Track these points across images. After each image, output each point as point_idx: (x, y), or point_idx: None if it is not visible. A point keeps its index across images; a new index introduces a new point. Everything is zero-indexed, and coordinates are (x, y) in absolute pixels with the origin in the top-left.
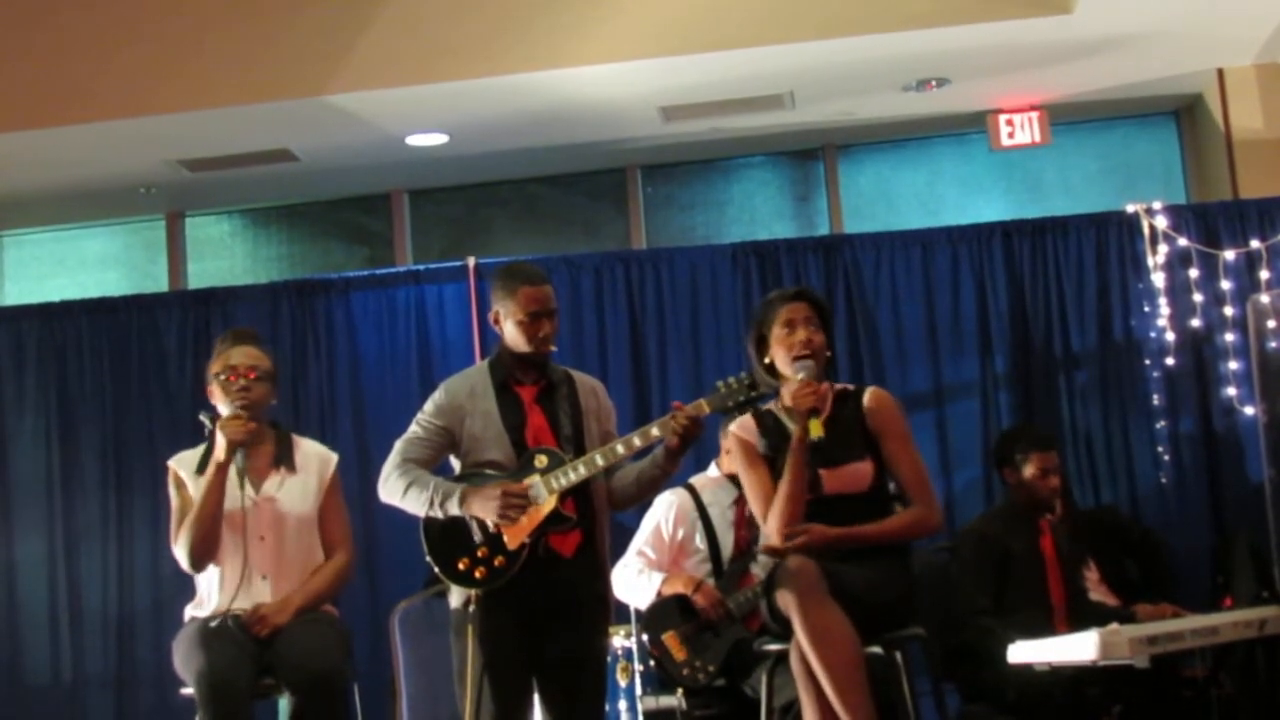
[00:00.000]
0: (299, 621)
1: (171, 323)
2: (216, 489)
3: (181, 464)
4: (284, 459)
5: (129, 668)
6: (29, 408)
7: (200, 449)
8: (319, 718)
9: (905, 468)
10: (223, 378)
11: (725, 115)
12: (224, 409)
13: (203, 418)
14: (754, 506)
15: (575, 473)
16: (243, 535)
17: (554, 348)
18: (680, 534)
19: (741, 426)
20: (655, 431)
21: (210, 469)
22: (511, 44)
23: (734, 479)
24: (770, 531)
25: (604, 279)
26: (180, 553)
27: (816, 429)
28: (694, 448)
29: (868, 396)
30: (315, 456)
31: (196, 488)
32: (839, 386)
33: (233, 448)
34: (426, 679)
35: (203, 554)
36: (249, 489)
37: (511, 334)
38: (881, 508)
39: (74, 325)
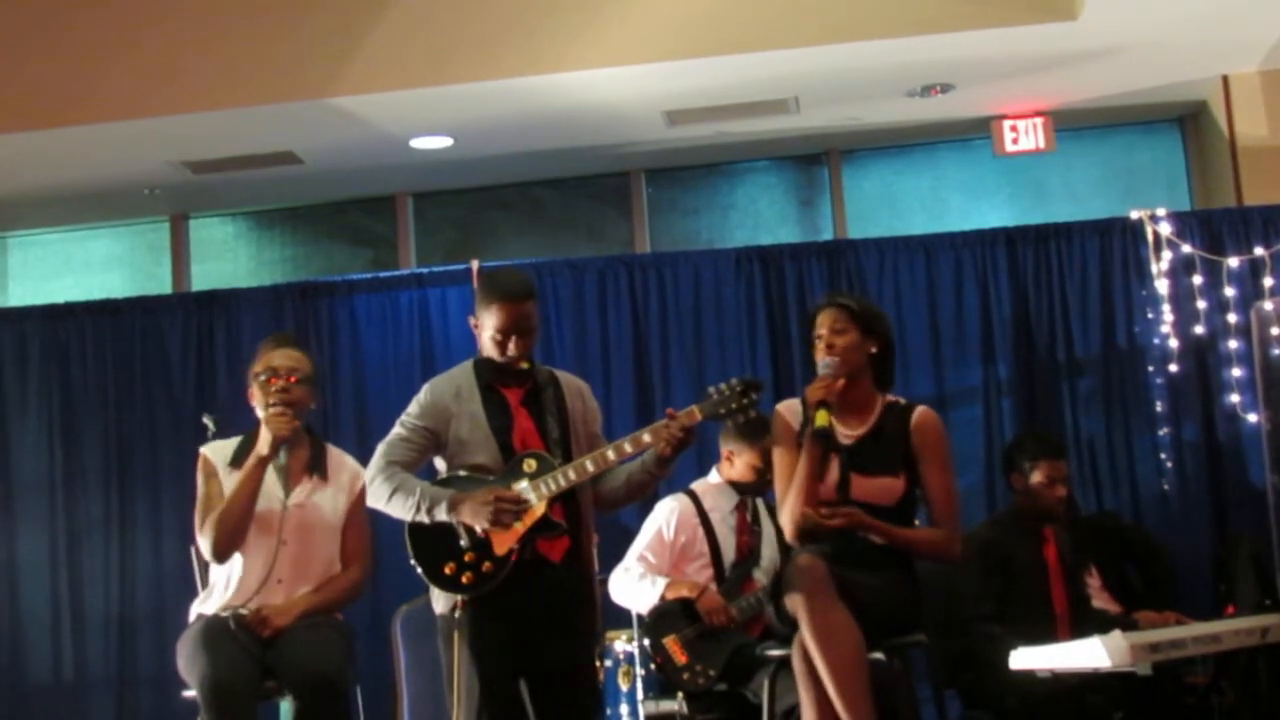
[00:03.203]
0: (302, 624)
1: (175, 325)
2: (254, 482)
3: (215, 452)
4: (317, 467)
5: (130, 668)
6: (32, 408)
7: (234, 441)
8: None
9: (938, 492)
10: (263, 378)
11: (730, 120)
12: (260, 410)
13: (206, 420)
14: (776, 488)
15: (565, 478)
16: (269, 537)
17: (526, 365)
18: (682, 539)
19: (788, 407)
20: (646, 438)
21: (251, 461)
22: (516, 47)
23: (735, 485)
24: (785, 521)
25: (607, 282)
26: (205, 542)
27: (822, 419)
28: (695, 453)
29: (916, 415)
30: (347, 469)
31: (229, 480)
32: (890, 398)
33: (277, 443)
34: (428, 682)
35: (229, 546)
36: (281, 491)
37: (486, 344)
38: (904, 524)
39: (78, 326)
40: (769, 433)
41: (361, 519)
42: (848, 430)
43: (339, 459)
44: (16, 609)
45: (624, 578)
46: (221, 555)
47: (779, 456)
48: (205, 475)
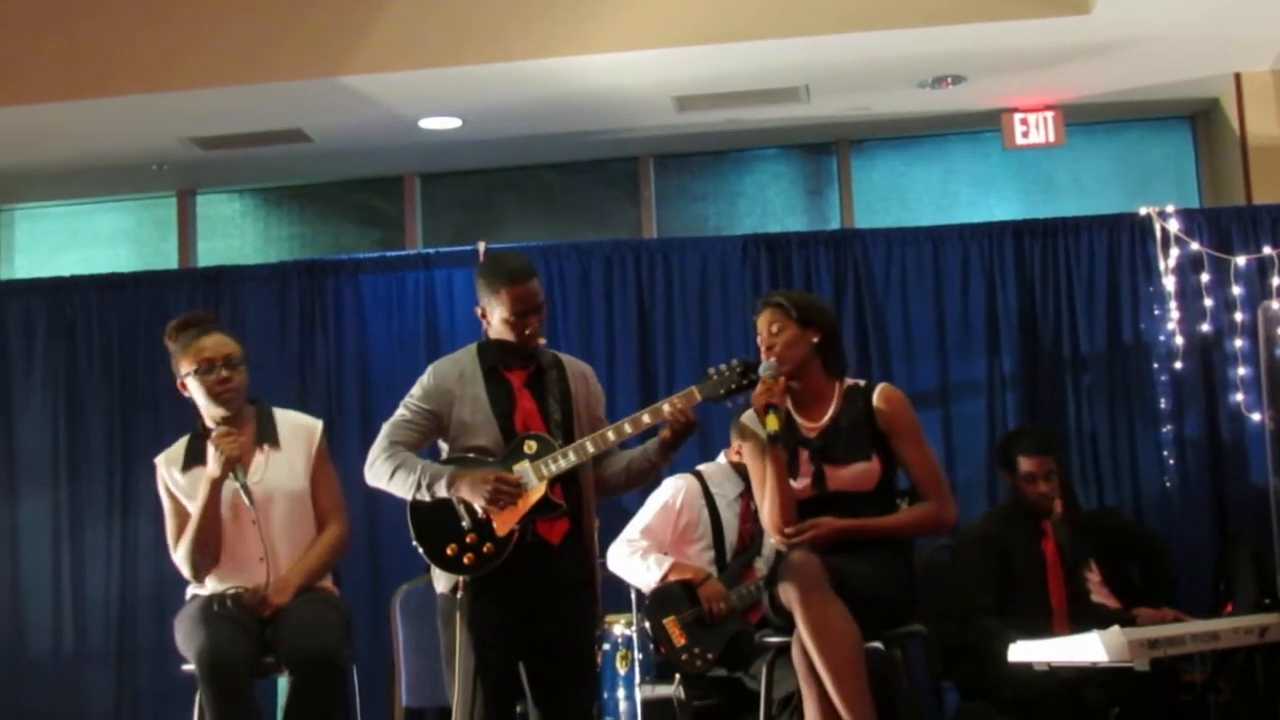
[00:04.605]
0: (300, 601)
1: (181, 300)
2: (214, 506)
3: (169, 463)
4: (267, 437)
5: (131, 643)
6: (37, 382)
7: (183, 441)
8: (318, 697)
9: (917, 466)
10: (201, 371)
11: (740, 107)
12: (204, 403)
13: None
14: (756, 496)
15: (565, 459)
16: (237, 524)
17: (543, 340)
18: (685, 519)
19: (749, 418)
20: (647, 419)
21: (205, 487)
22: (527, 30)
23: (740, 469)
24: (768, 527)
25: (614, 267)
26: (181, 563)
27: (771, 423)
28: (698, 438)
29: (877, 395)
30: (300, 429)
31: (188, 483)
32: (849, 382)
33: (230, 464)
34: (426, 661)
35: (204, 567)
36: (239, 474)
37: (499, 329)
38: (886, 507)
39: (83, 300)
40: None
41: (328, 473)
42: (809, 423)
43: (290, 421)
44: (17, 583)
45: (625, 549)
46: (199, 575)
47: (751, 466)
48: (164, 489)
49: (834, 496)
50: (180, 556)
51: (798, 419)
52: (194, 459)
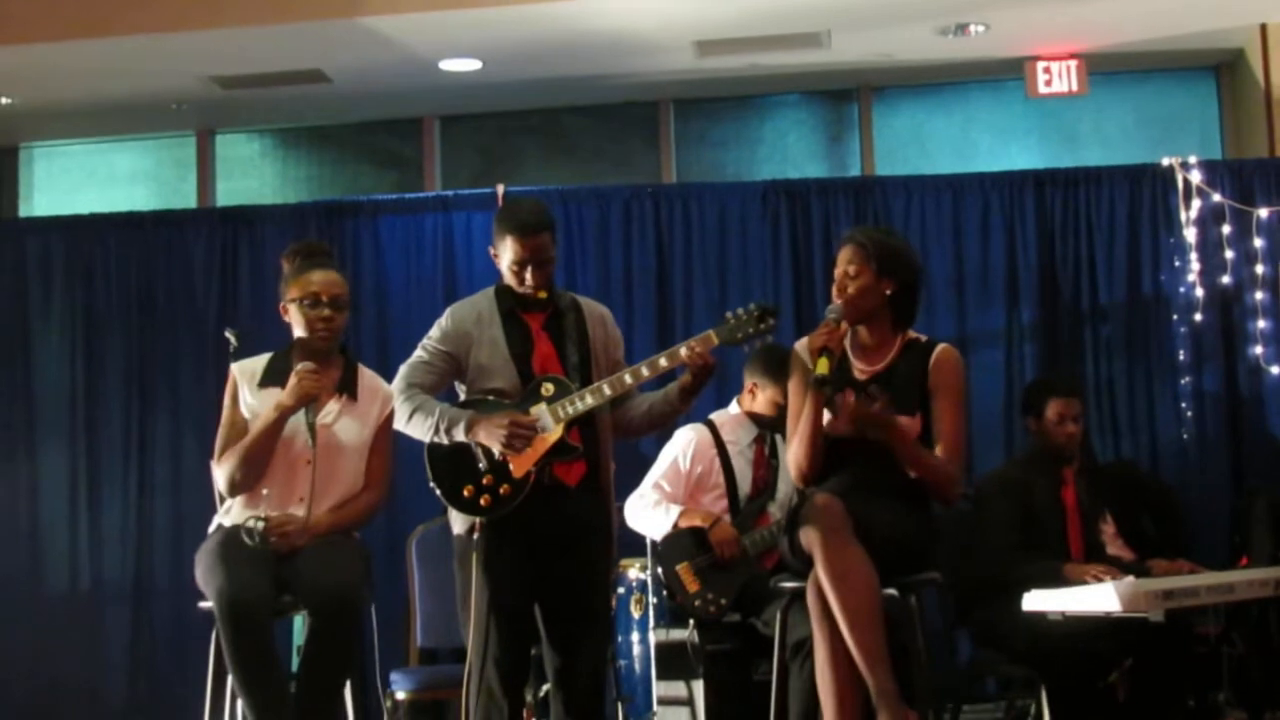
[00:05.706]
0: (319, 542)
1: (199, 240)
2: (275, 431)
3: (242, 372)
4: (347, 388)
5: (147, 581)
6: (54, 321)
7: (265, 357)
8: (335, 637)
9: (946, 427)
10: (306, 304)
11: (760, 52)
12: (300, 334)
13: (228, 334)
14: (788, 426)
15: (583, 402)
16: (294, 457)
17: (543, 294)
18: (698, 470)
19: (804, 346)
20: (663, 362)
21: (273, 412)
22: None
23: (754, 418)
24: (790, 465)
25: (633, 212)
26: (220, 475)
27: (821, 366)
28: (716, 386)
29: (936, 352)
30: (377, 391)
31: (255, 398)
32: (912, 335)
33: (306, 400)
34: (441, 602)
35: (243, 486)
36: (310, 414)
37: (505, 274)
38: None
39: (101, 239)
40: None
41: (387, 443)
42: (864, 366)
43: (371, 381)
44: (36, 520)
45: (639, 503)
46: (234, 493)
47: (793, 395)
48: (230, 398)
49: (870, 443)
50: (222, 469)
51: (853, 360)
52: (271, 379)
